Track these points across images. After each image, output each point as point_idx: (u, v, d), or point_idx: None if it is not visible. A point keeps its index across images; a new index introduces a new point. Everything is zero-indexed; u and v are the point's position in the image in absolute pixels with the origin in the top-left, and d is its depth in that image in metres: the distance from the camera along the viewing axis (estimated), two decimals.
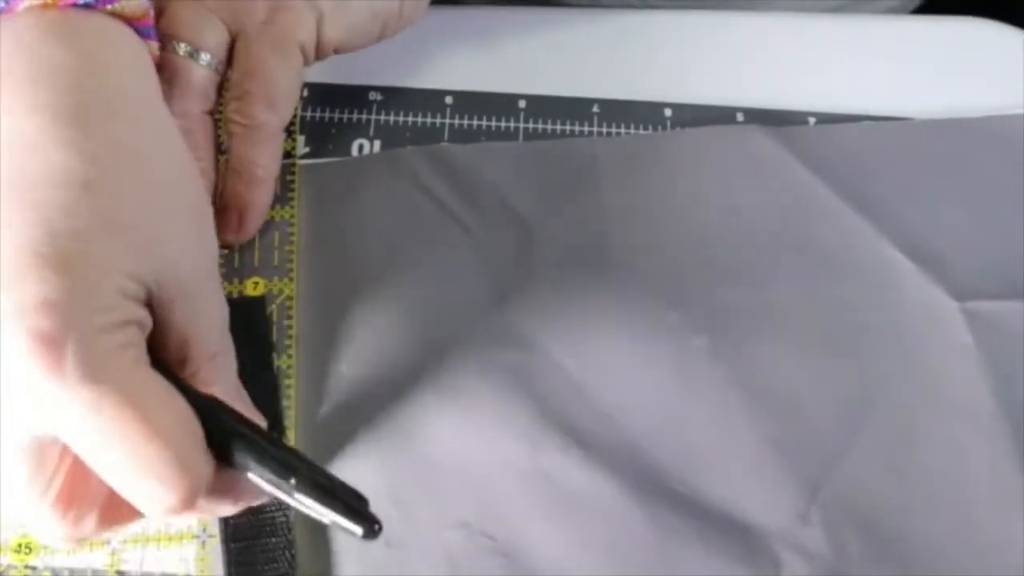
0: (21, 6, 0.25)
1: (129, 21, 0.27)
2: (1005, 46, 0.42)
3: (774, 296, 0.36)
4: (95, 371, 0.23)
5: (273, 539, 0.31)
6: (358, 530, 0.24)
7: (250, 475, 0.25)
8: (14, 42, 0.25)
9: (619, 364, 0.34)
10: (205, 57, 0.33)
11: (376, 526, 0.24)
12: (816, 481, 0.33)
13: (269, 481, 0.25)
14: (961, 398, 0.34)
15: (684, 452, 0.33)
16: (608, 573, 0.31)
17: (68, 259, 0.23)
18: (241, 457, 0.25)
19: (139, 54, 0.28)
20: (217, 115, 0.36)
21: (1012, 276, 0.36)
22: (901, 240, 0.37)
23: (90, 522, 0.25)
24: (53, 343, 0.22)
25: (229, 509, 0.26)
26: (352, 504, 0.25)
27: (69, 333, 0.22)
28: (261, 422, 0.28)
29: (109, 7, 0.26)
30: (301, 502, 0.24)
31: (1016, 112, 0.40)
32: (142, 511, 0.24)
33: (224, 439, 0.25)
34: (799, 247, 0.36)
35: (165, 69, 0.33)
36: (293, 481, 0.24)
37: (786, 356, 0.35)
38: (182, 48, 0.33)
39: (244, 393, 0.29)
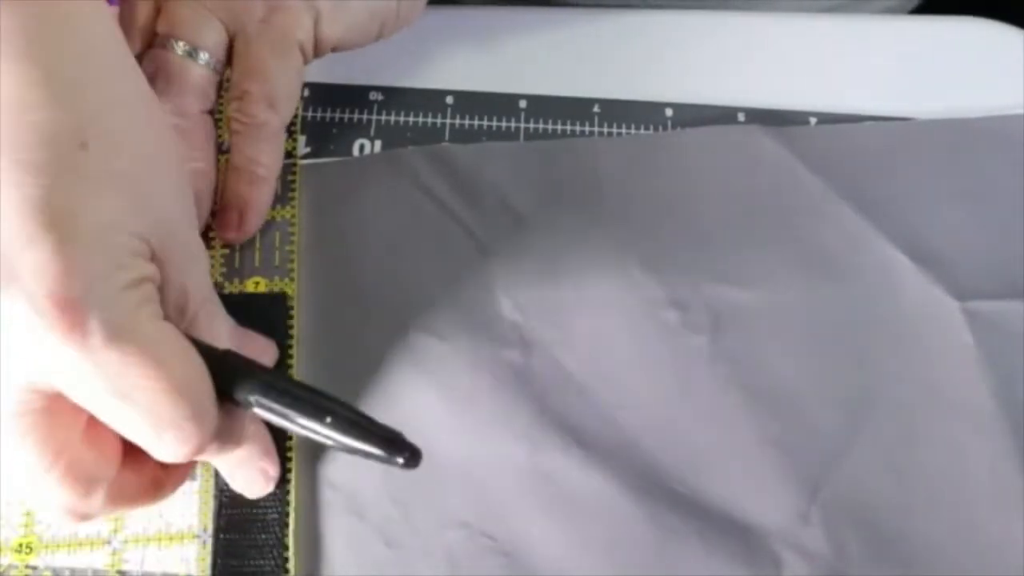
0: None
1: None
2: (1005, 46, 0.42)
3: (774, 296, 0.36)
4: (118, 332, 0.23)
5: (263, 535, 0.31)
6: (399, 460, 0.25)
7: (281, 421, 0.26)
8: None
9: (619, 364, 0.34)
10: (203, 56, 0.33)
11: (416, 454, 0.25)
12: (816, 481, 0.33)
13: (302, 426, 0.26)
14: (961, 398, 0.34)
15: (684, 452, 0.33)
16: (608, 573, 0.31)
17: (78, 220, 0.23)
18: (268, 403, 0.26)
19: (106, 14, 0.27)
20: (217, 115, 0.36)
21: (1012, 276, 0.36)
22: (901, 240, 0.37)
23: (98, 497, 0.25)
24: (74, 307, 0.22)
25: (234, 452, 0.28)
26: (389, 436, 0.26)
27: (89, 295, 0.23)
28: (268, 355, 0.30)
29: None
30: (338, 441, 0.25)
31: (1016, 112, 0.40)
32: (157, 457, 0.25)
33: (248, 389, 0.26)
34: (799, 247, 0.36)
35: (163, 68, 0.33)
36: (329, 420, 0.25)
37: (786, 356, 0.35)
38: (180, 47, 0.33)
39: (242, 329, 0.30)
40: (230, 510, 0.31)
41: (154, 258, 0.25)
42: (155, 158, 0.26)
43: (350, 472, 0.32)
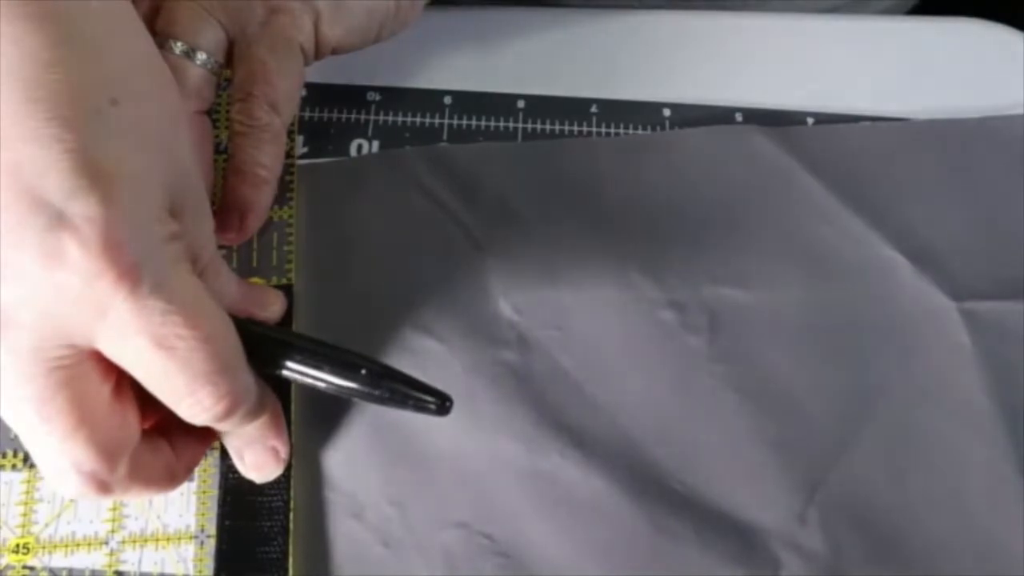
0: None
1: None
2: (1005, 46, 0.42)
3: (771, 296, 0.36)
4: (163, 281, 0.24)
5: (268, 523, 0.31)
6: (432, 405, 0.28)
7: (310, 380, 0.28)
8: None
9: (617, 364, 0.34)
10: (201, 57, 0.33)
11: (448, 399, 0.28)
12: (814, 481, 0.33)
13: (334, 384, 0.28)
14: (958, 398, 0.34)
15: (682, 452, 0.33)
16: (606, 573, 0.31)
17: (118, 174, 0.23)
18: (299, 365, 0.28)
19: None
20: (215, 115, 0.36)
21: (1010, 276, 0.36)
22: (899, 240, 0.37)
23: (121, 467, 0.26)
24: (126, 254, 0.23)
25: (252, 425, 0.29)
26: (421, 384, 0.28)
27: (139, 245, 0.23)
28: (277, 305, 0.32)
29: None
30: (373, 393, 0.28)
31: (1016, 112, 0.40)
32: (187, 418, 0.26)
33: (275, 352, 0.28)
34: (797, 247, 0.36)
35: None
36: (364, 372, 0.28)
37: (783, 356, 0.35)
38: (178, 47, 0.33)
39: (247, 284, 0.31)
40: (233, 498, 0.31)
41: (174, 213, 0.26)
42: (174, 113, 0.27)
43: (348, 473, 0.32)
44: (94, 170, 0.23)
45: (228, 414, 0.26)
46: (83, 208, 0.23)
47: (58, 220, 0.23)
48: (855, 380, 0.34)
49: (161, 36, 0.33)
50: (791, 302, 0.36)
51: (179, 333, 0.24)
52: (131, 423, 0.26)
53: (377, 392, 0.28)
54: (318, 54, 0.36)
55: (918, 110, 0.40)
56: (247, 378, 0.27)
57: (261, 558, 0.30)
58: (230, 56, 0.34)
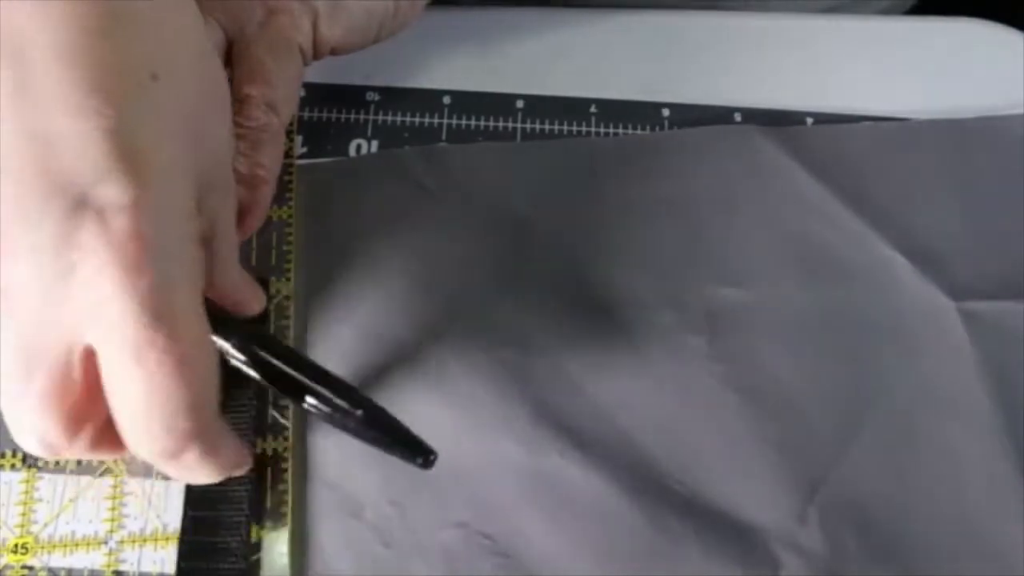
0: None
1: None
2: (1005, 46, 0.42)
3: (771, 296, 0.36)
4: (168, 289, 0.23)
5: (231, 513, 0.31)
6: (419, 459, 0.28)
7: (308, 406, 0.28)
8: None
9: (617, 364, 0.34)
10: None
11: (432, 456, 0.28)
12: (814, 481, 0.33)
13: (326, 416, 0.28)
14: (958, 398, 0.34)
15: (682, 452, 0.33)
16: (606, 573, 0.31)
17: (150, 158, 0.23)
18: (307, 392, 0.28)
19: None
20: None
21: (1010, 276, 0.36)
22: (899, 240, 0.37)
23: (85, 438, 0.25)
24: (141, 247, 0.22)
25: (213, 469, 0.27)
26: (410, 437, 0.28)
27: (156, 239, 0.23)
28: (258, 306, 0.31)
29: None
30: (364, 436, 0.28)
31: (1016, 112, 0.40)
32: (128, 442, 0.25)
33: (292, 381, 0.28)
34: (796, 247, 0.36)
35: None
36: (360, 413, 0.28)
37: (783, 356, 0.35)
38: None
39: (246, 276, 0.30)
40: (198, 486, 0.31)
41: (201, 196, 0.25)
42: (214, 92, 0.27)
43: (347, 472, 0.32)
44: (131, 153, 0.22)
45: (173, 454, 0.25)
46: (109, 191, 0.22)
47: (81, 204, 0.22)
48: (855, 380, 0.34)
49: None
50: (791, 302, 0.36)
51: (160, 347, 0.23)
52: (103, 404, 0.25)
53: (369, 434, 0.28)
54: (316, 54, 0.36)
55: (918, 110, 0.40)
56: (212, 422, 0.25)
57: (223, 548, 0.30)
58: (229, 56, 0.34)
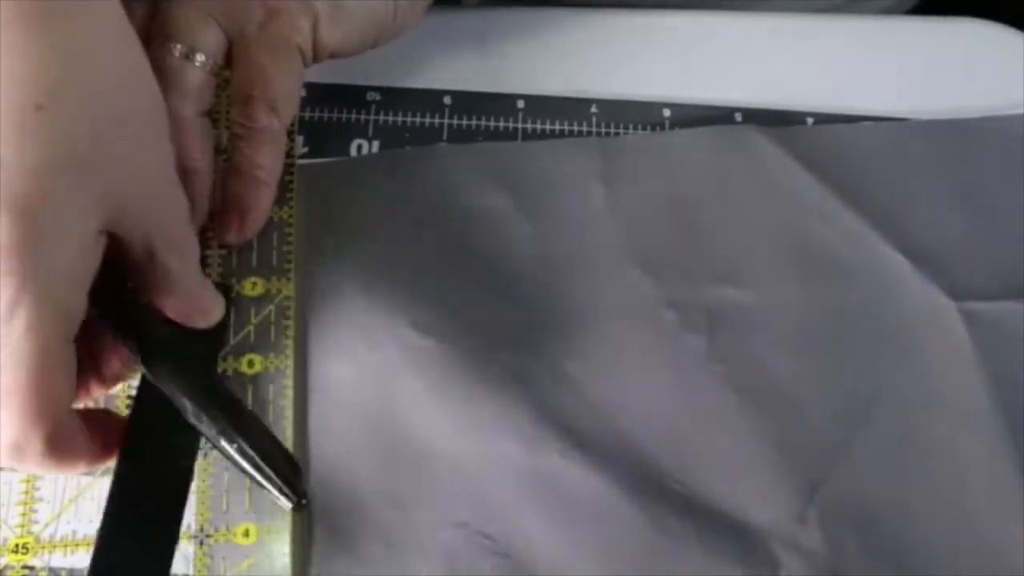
0: None
1: None
2: (1005, 46, 0.42)
3: (771, 296, 0.36)
4: (36, 323, 0.23)
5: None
6: (287, 504, 0.28)
7: (193, 420, 0.28)
8: None
9: (617, 364, 0.34)
10: (200, 58, 0.33)
11: (304, 500, 0.29)
12: (814, 481, 0.33)
13: (212, 437, 0.28)
14: (958, 398, 0.34)
15: (682, 452, 0.33)
16: (606, 573, 0.31)
17: (34, 196, 0.22)
18: (190, 411, 0.28)
19: None
20: (215, 115, 0.36)
21: (1010, 276, 0.36)
22: (899, 240, 0.37)
23: (39, 440, 0.25)
24: (16, 273, 0.22)
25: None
26: (287, 475, 0.29)
27: (25, 283, 0.23)
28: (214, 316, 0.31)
29: None
30: (240, 464, 0.28)
31: (1016, 112, 0.40)
32: None
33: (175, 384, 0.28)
34: (796, 247, 0.36)
35: (159, 70, 0.33)
36: (236, 445, 0.28)
37: (784, 355, 0.35)
38: (177, 49, 0.33)
39: (201, 287, 0.30)
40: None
41: (117, 214, 0.25)
42: (134, 125, 0.26)
43: (347, 473, 0.32)
44: (8, 192, 0.22)
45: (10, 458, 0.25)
46: None
47: None
48: (855, 380, 0.34)
49: (160, 38, 0.33)
50: (791, 302, 0.36)
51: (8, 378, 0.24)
52: (62, 395, 0.26)
53: (240, 466, 0.29)
54: (316, 57, 0.36)
55: (918, 110, 0.40)
56: (60, 420, 0.26)
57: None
58: (229, 57, 0.34)
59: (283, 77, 0.34)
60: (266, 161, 0.34)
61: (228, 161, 0.35)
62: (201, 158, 0.34)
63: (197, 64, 0.33)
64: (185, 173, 0.33)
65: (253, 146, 0.34)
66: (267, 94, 0.33)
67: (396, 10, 0.36)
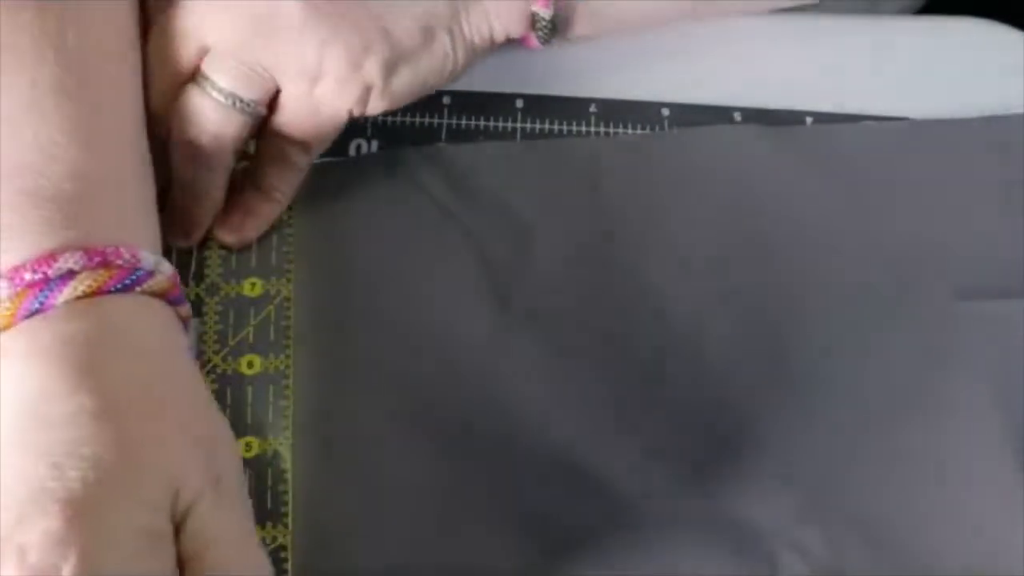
0: (59, 299, 0.26)
1: (160, 295, 0.29)
2: (1005, 46, 0.42)
3: (771, 296, 0.36)
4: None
5: None
6: None
7: None
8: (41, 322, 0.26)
9: (618, 363, 0.34)
10: (242, 104, 0.32)
11: None
12: (814, 480, 0.33)
13: None
14: (960, 397, 0.34)
15: (682, 451, 0.33)
16: (606, 572, 0.31)
17: (82, 495, 0.23)
18: None
19: (164, 318, 0.29)
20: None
21: (1010, 276, 0.36)
22: (899, 240, 0.37)
23: None
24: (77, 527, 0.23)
25: None
26: None
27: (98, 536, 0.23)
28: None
29: (142, 287, 0.28)
30: None
31: (1016, 112, 0.40)
32: None
33: None
34: (796, 246, 0.36)
35: (199, 111, 0.32)
36: None
37: (784, 355, 0.35)
38: (222, 96, 0.32)
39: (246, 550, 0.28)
40: None
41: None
42: (173, 413, 0.27)
43: (347, 473, 0.32)
44: (50, 497, 0.23)
45: None
46: (23, 533, 0.23)
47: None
48: (855, 379, 0.34)
49: (203, 78, 0.32)
50: (790, 301, 0.36)
51: None
52: None
53: None
54: (362, 114, 0.35)
55: (918, 110, 0.40)
56: None
57: None
58: (272, 102, 0.33)
59: (323, 133, 0.34)
60: (286, 187, 0.35)
61: (243, 163, 0.35)
62: (218, 186, 0.34)
63: (236, 107, 0.32)
64: (195, 195, 0.33)
65: (278, 175, 0.35)
66: (305, 140, 0.34)
67: (453, 70, 0.35)
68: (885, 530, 0.32)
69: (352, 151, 0.38)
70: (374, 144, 0.38)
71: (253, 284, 0.35)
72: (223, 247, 0.35)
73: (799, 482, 0.33)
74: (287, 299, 0.35)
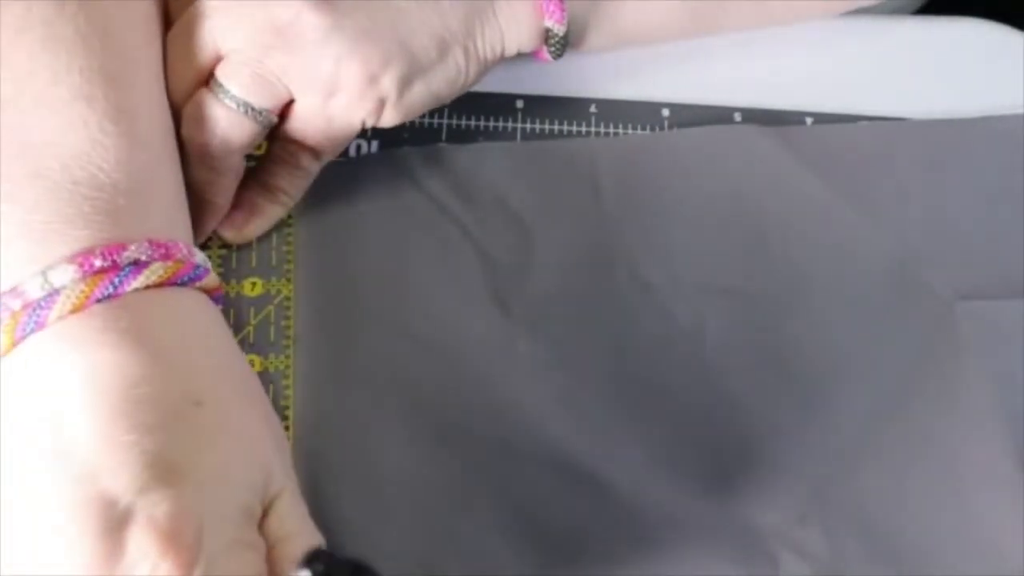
0: (132, 286, 0.27)
1: (208, 292, 0.30)
2: (1005, 46, 0.42)
3: (771, 296, 0.36)
4: None
5: None
6: None
7: None
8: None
9: (618, 363, 0.34)
10: (255, 113, 0.32)
11: None
12: (814, 481, 0.33)
13: None
14: (959, 397, 0.34)
15: (682, 451, 0.33)
16: (606, 574, 0.31)
17: (191, 472, 0.24)
18: None
19: (216, 314, 0.30)
20: None
21: (1010, 275, 0.36)
22: (899, 240, 0.37)
23: None
24: (188, 548, 0.23)
25: None
26: None
27: (201, 539, 0.24)
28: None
29: (198, 284, 0.29)
30: None
31: (1016, 112, 0.40)
32: None
33: None
34: (796, 247, 0.36)
35: (212, 117, 0.32)
36: None
37: (783, 355, 0.35)
38: (236, 103, 0.32)
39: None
40: None
41: (258, 503, 0.26)
42: (261, 413, 0.29)
43: (347, 474, 0.32)
44: (166, 467, 0.24)
45: None
46: (150, 502, 0.23)
47: (123, 519, 0.23)
48: (855, 379, 0.34)
49: (218, 85, 0.32)
50: (791, 302, 0.36)
51: None
52: None
53: None
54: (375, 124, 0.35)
55: (918, 110, 0.40)
56: None
57: None
58: (286, 109, 0.33)
59: (335, 142, 0.34)
60: (293, 191, 0.35)
61: (251, 162, 0.35)
62: (226, 196, 0.34)
63: (249, 115, 0.32)
64: (201, 198, 0.33)
65: (286, 177, 0.35)
66: (317, 151, 0.34)
67: (464, 83, 0.35)
68: (886, 530, 0.32)
69: (352, 151, 0.38)
70: (374, 144, 0.38)
71: (253, 284, 0.35)
72: (224, 246, 0.35)
73: (800, 482, 0.33)
74: (287, 299, 0.35)
